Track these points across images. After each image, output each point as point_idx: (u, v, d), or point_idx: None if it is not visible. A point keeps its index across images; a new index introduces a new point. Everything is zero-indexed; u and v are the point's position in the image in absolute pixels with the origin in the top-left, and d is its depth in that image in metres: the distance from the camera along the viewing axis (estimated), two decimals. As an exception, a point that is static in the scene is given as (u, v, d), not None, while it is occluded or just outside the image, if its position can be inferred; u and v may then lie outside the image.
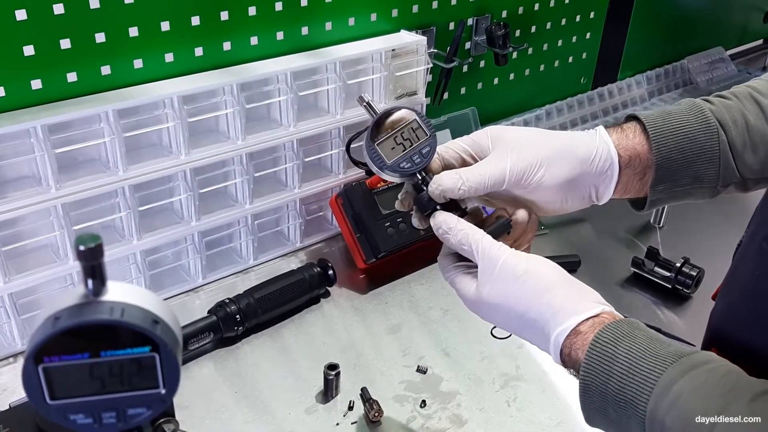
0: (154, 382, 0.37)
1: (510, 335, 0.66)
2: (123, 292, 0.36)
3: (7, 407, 0.78)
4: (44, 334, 0.34)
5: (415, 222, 0.68)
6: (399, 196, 0.68)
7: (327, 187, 1.19)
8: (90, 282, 0.35)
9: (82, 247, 0.34)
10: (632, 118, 0.70)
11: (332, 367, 0.93)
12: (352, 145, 1.16)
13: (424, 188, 0.65)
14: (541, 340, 0.60)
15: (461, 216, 0.65)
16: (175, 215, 1.07)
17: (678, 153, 0.66)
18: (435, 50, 1.30)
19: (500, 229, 0.64)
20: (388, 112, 0.66)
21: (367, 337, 1.04)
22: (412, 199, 0.67)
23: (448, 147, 0.68)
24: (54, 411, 0.36)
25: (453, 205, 0.65)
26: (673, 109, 0.69)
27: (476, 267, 0.63)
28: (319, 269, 1.09)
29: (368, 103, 0.68)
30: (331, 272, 1.10)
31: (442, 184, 0.64)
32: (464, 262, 0.65)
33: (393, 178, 0.67)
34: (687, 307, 1.13)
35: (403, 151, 0.65)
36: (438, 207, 0.65)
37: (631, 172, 0.67)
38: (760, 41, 2.16)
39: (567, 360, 0.58)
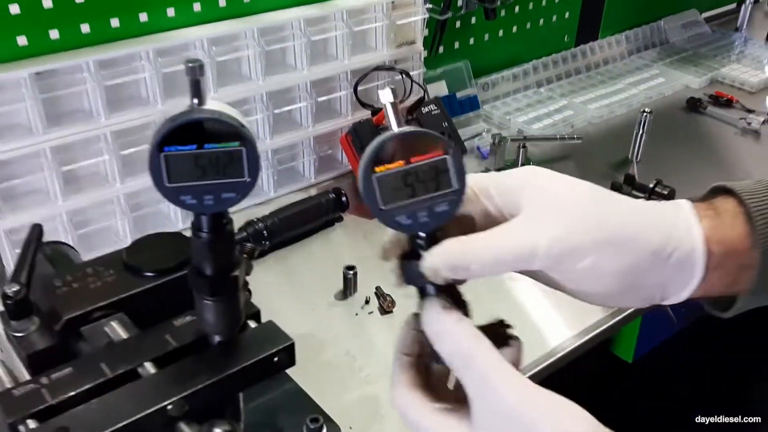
0: (241, 172, 0.50)
1: None
2: (218, 105, 0.50)
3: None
4: (166, 127, 0.48)
5: (396, 282, 0.48)
6: (385, 241, 0.49)
7: (337, 127, 1.32)
8: (195, 96, 0.49)
9: (190, 65, 0.47)
10: (725, 191, 0.49)
11: (350, 267, 1.06)
12: (359, 88, 1.31)
13: (421, 253, 0.45)
14: None
15: (461, 309, 0.45)
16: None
17: None
18: (430, 5, 1.44)
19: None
20: (415, 134, 0.43)
21: (377, 252, 1.18)
22: (399, 252, 0.48)
23: (471, 188, 0.47)
24: (169, 192, 0.49)
25: (449, 290, 0.46)
26: None
27: (458, 401, 0.44)
28: (333, 195, 1.23)
29: (394, 104, 0.44)
30: (344, 198, 1.23)
31: (443, 259, 0.44)
32: (437, 402, 0.45)
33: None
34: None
35: (410, 197, 0.44)
36: (430, 285, 0.45)
37: (721, 274, 0.47)
38: (734, 5, 2.31)
39: None
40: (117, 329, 0.61)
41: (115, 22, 1.08)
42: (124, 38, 1.09)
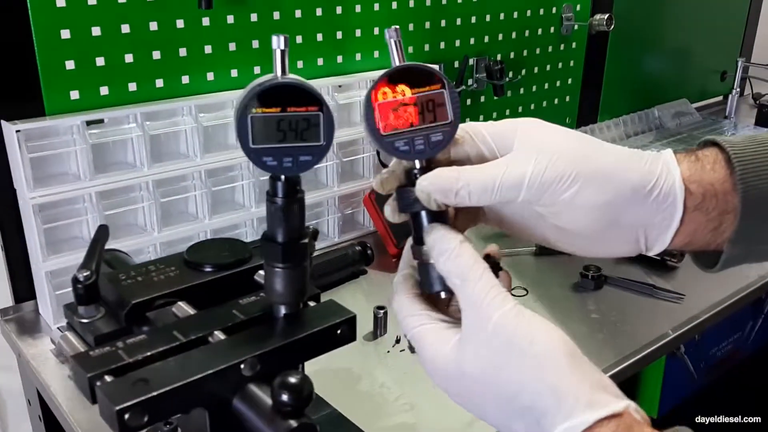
0: (317, 136, 0.55)
1: None
2: (298, 77, 0.56)
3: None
4: (254, 91, 0.53)
5: (388, 211, 0.53)
6: (382, 173, 0.53)
7: (359, 188, 1.39)
8: (279, 67, 0.55)
9: (274, 37, 0.54)
10: (710, 143, 0.52)
11: (380, 307, 1.09)
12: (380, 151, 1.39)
13: (415, 180, 0.50)
14: None
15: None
16: (236, 204, 1.26)
17: None
18: (444, 82, 1.55)
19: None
20: (415, 69, 0.49)
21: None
22: (396, 184, 0.52)
23: (466, 131, 0.51)
24: (253, 153, 0.54)
25: (440, 216, 0.49)
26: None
27: (457, 318, 0.48)
28: (359, 248, 1.27)
29: (398, 42, 0.51)
30: (369, 251, 1.28)
31: (434, 182, 0.48)
32: (436, 312, 0.50)
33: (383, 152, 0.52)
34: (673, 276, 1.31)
35: (410, 126, 0.49)
36: (424, 210, 0.49)
37: (701, 218, 0.49)
38: (720, 97, 2.46)
39: None
40: (184, 308, 0.64)
41: (159, 83, 1.17)
42: (167, 98, 1.17)
